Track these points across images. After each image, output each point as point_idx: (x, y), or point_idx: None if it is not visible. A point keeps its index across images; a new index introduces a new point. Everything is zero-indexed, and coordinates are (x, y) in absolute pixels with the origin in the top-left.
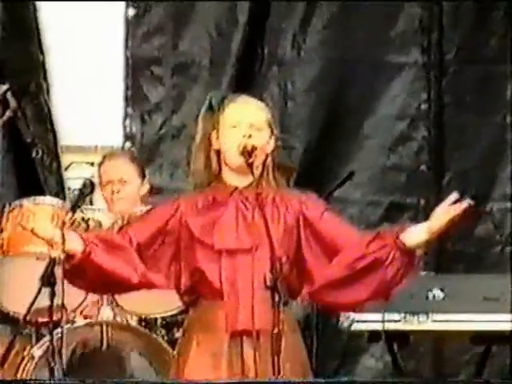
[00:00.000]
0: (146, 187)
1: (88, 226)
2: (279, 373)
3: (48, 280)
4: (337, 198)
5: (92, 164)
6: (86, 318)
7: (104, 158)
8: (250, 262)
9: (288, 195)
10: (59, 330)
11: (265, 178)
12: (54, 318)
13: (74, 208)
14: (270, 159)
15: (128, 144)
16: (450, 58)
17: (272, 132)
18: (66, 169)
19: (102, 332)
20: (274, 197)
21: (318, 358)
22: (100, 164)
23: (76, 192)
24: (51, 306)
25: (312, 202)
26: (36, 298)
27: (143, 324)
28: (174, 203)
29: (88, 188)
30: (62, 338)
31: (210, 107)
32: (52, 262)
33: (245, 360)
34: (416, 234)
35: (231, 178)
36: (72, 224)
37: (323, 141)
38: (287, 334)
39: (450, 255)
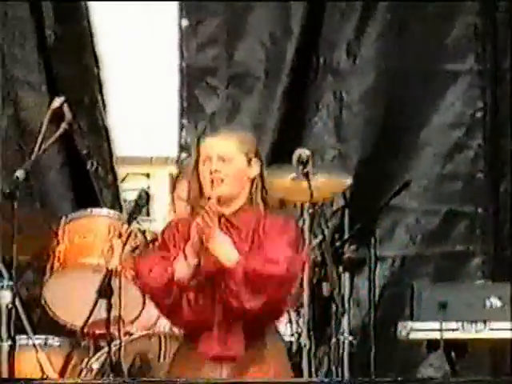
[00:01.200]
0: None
1: (145, 237)
2: None
3: (105, 292)
4: (393, 207)
5: (147, 175)
6: (143, 330)
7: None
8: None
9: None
10: (117, 342)
11: (253, 202)
12: (112, 330)
13: (130, 219)
14: (256, 183)
15: (183, 155)
16: (506, 65)
17: (251, 159)
18: (121, 180)
19: (160, 343)
20: (257, 222)
21: (376, 368)
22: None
23: (132, 203)
24: (108, 318)
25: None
26: (93, 310)
27: None
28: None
29: (143, 199)
30: (119, 350)
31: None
32: (109, 274)
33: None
34: None
35: (221, 207)
36: (129, 236)
37: (379, 150)
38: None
39: (506, 264)
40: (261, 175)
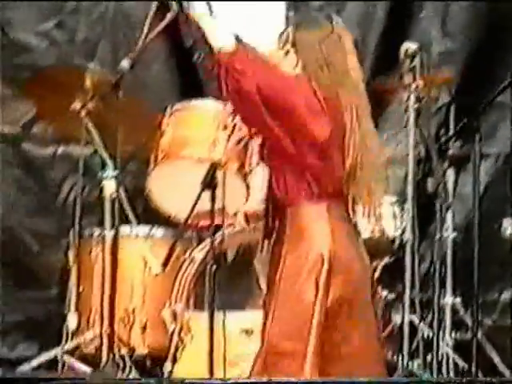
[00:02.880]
0: None
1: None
2: None
3: (209, 183)
4: (498, 103)
5: None
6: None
7: None
8: None
9: None
10: (220, 233)
11: None
12: (215, 222)
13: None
14: None
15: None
16: None
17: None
18: None
19: None
20: None
21: (479, 265)
22: None
23: None
24: (212, 210)
25: None
26: (197, 201)
27: None
28: None
29: None
30: (223, 241)
31: None
32: (213, 166)
33: None
34: None
35: None
36: (233, 128)
37: (485, 45)
38: None
39: None
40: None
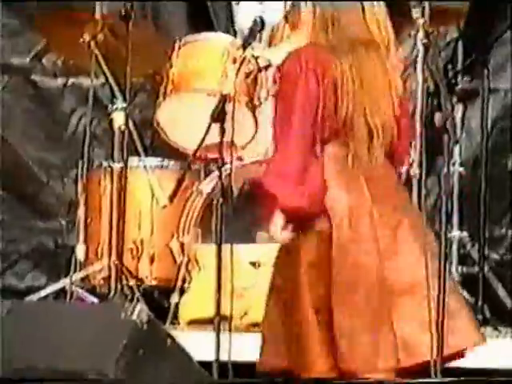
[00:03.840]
0: None
1: (258, 63)
2: None
3: (218, 116)
4: (507, 39)
5: (261, 1)
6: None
7: None
8: None
9: None
10: (228, 166)
11: None
12: (223, 155)
13: (245, 45)
14: None
15: None
16: None
17: None
18: (236, 4)
19: None
20: None
21: (486, 200)
22: None
23: (247, 30)
24: (221, 143)
25: None
26: (206, 134)
27: None
28: None
29: (258, 26)
30: (230, 174)
31: None
32: (222, 99)
33: None
34: None
35: None
36: (243, 61)
37: None
38: None
39: None
40: None
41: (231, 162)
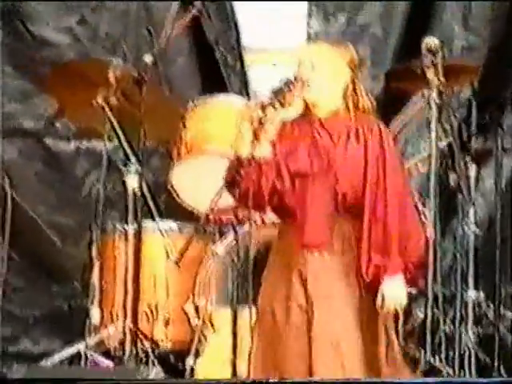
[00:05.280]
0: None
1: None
2: None
3: (232, 179)
4: None
5: (274, 65)
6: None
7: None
8: (320, 184)
9: (367, 127)
10: (243, 228)
11: (346, 107)
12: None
13: (269, 105)
14: (349, 89)
15: None
16: None
17: (341, 67)
18: (249, 68)
19: None
20: (350, 126)
21: (501, 260)
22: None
23: (267, 91)
24: (236, 204)
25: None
26: (219, 196)
27: None
28: None
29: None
30: (245, 236)
31: None
32: (237, 161)
33: (308, 271)
34: None
35: (313, 110)
36: (260, 122)
37: (508, 41)
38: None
39: None
40: (353, 83)
41: (246, 224)
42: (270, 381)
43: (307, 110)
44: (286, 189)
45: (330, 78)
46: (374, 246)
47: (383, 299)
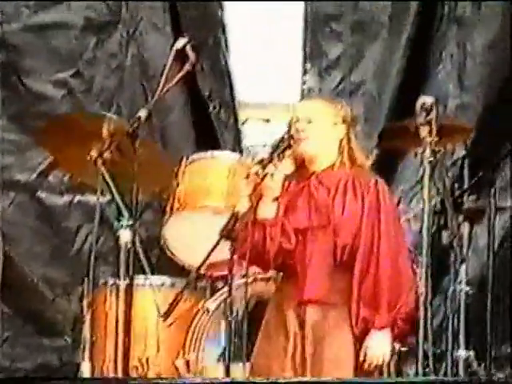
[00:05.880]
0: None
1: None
2: None
3: (229, 234)
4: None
5: (268, 120)
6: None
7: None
8: (319, 239)
9: (364, 181)
10: (235, 283)
11: (340, 161)
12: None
13: (268, 161)
14: (342, 144)
15: None
16: None
17: (336, 122)
18: (242, 124)
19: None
20: (346, 180)
21: (493, 319)
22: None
23: (273, 146)
24: (232, 260)
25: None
26: (212, 251)
27: None
28: None
29: (285, 143)
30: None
31: None
32: (234, 216)
33: (306, 328)
34: None
35: (308, 164)
36: (260, 179)
37: (501, 100)
38: None
39: None
40: (348, 138)
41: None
42: (269, 380)
43: (302, 165)
44: (292, 247)
45: (326, 133)
46: (364, 300)
47: (366, 352)
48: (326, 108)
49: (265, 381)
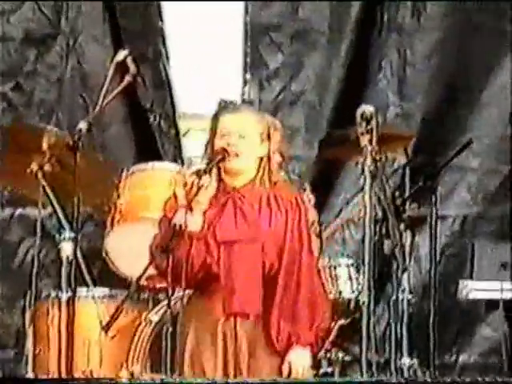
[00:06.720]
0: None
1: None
2: None
3: (164, 246)
4: (455, 165)
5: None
6: None
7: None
8: (246, 252)
9: (286, 196)
10: (177, 295)
11: (260, 179)
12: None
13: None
14: (263, 162)
15: None
16: None
17: (263, 139)
18: (183, 135)
19: None
20: (268, 196)
21: (435, 327)
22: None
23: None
24: (171, 271)
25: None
26: (151, 263)
27: None
28: None
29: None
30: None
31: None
32: (171, 228)
33: (238, 340)
34: None
35: (229, 179)
36: (191, 188)
37: (442, 109)
38: None
39: None
40: (268, 155)
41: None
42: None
43: (222, 179)
44: (214, 260)
45: (255, 149)
46: (285, 316)
47: (290, 366)
48: (256, 123)
49: (263, 381)
